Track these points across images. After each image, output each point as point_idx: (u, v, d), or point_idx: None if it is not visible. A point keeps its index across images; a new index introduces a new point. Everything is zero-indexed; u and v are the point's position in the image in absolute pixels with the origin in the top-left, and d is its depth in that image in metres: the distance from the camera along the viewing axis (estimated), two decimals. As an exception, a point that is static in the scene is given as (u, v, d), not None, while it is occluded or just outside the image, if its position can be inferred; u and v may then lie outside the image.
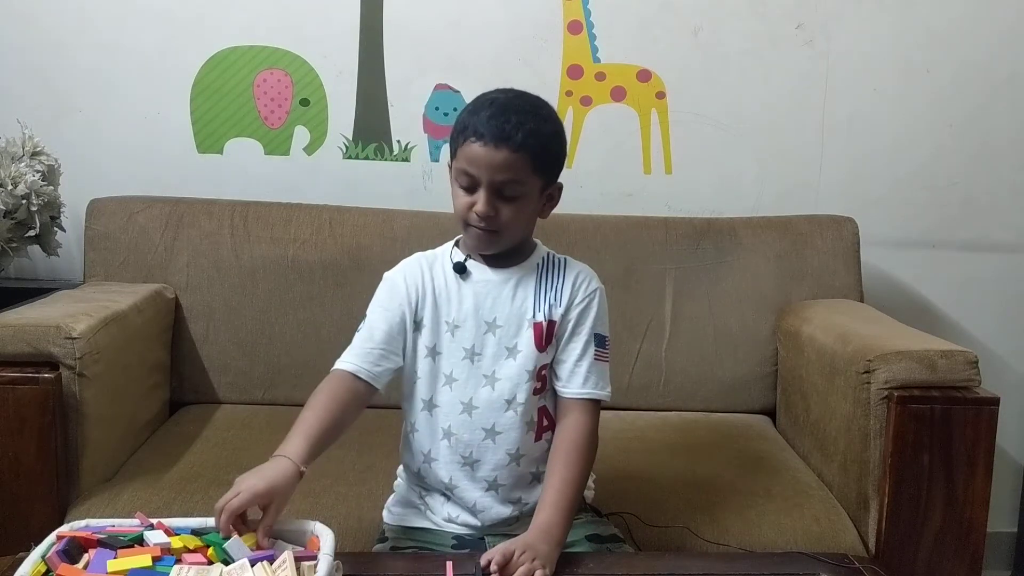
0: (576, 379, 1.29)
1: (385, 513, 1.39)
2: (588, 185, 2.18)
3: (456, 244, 1.35)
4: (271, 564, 1.03)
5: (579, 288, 1.30)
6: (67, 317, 1.54)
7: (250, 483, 1.10)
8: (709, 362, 2.01)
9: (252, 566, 1.02)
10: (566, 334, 1.30)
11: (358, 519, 1.48)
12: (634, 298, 2.02)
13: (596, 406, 1.30)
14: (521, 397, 1.28)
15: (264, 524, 1.09)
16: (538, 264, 1.32)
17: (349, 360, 1.27)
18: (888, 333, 1.69)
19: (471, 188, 1.22)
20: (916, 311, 2.25)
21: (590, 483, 1.41)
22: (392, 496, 1.40)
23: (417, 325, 1.30)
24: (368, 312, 1.32)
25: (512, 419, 1.28)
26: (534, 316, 1.28)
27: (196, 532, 1.09)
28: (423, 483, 1.34)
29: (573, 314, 1.29)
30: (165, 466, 1.62)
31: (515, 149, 1.18)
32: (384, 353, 1.28)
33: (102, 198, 2.00)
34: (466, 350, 1.29)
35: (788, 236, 2.07)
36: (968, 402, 1.49)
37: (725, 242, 2.05)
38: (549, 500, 1.22)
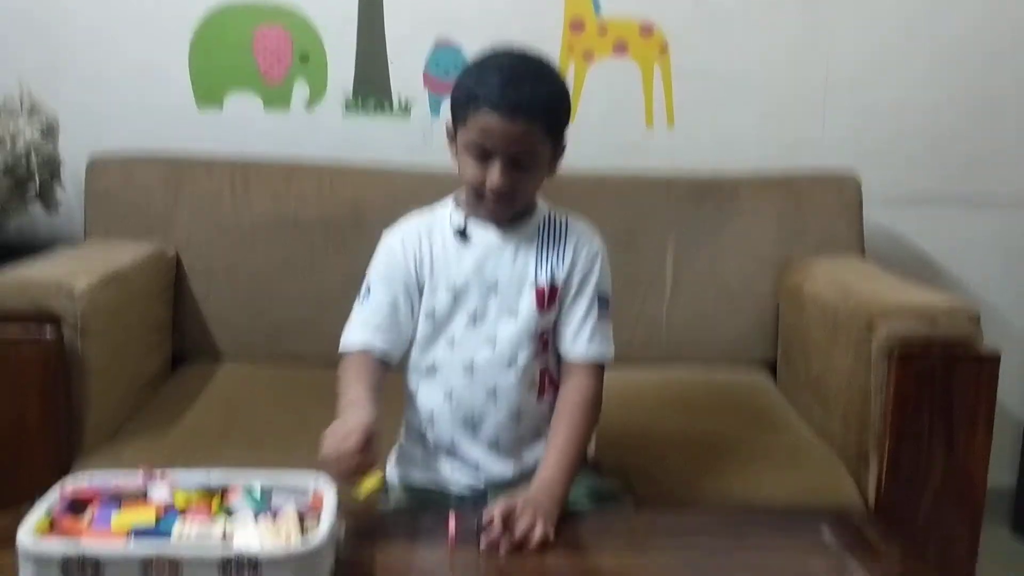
0: (580, 341, 1.28)
1: (387, 469, 1.39)
2: (590, 140, 2.16)
3: (456, 203, 1.33)
4: (274, 518, 1.03)
5: (581, 250, 1.29)
6: (68, 275, 1.53)
7: (353, 423, 1.12)
8: (710, 320, 2.01)
9: (255, 520, 1.02)
10: (569, 296, 1.29)
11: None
12: (635, 257, 2.01)
13: (600, 368, 1.29)
14: (522, 358, 1.27)
15: (372, 458, 1.11)
16: (539, 225, 1.30)
17: (362, 339, 1.28)
18: (890, 289, 1.68)
19: (483, 158, 1.20)
20: (918, 267, 2.24)
21: (591, 436, 1.40)
22: (395, 453, 1.41)
23: (419, 290, 1.29)
24: (371, 283, 1.30)
25: (513, 380, 1.27)
26: (535, 280, 1.27)
27: (204, 488, 1.09)
28: (426, 441, 1.34)
29: (576, 277, 1.28)
30: (168, 424, 1.63)
31: (530, 119, 1.16)
32: (393, 325, 1.28)
33: (102, 156, 1.98)
34: (468, 313, 1.27)
35: (790, 194, 2.06)
36: (969, 359, 1.49)
37: (727, 201, 2.04)
38: (552, 459, 1.22)
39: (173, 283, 1.94)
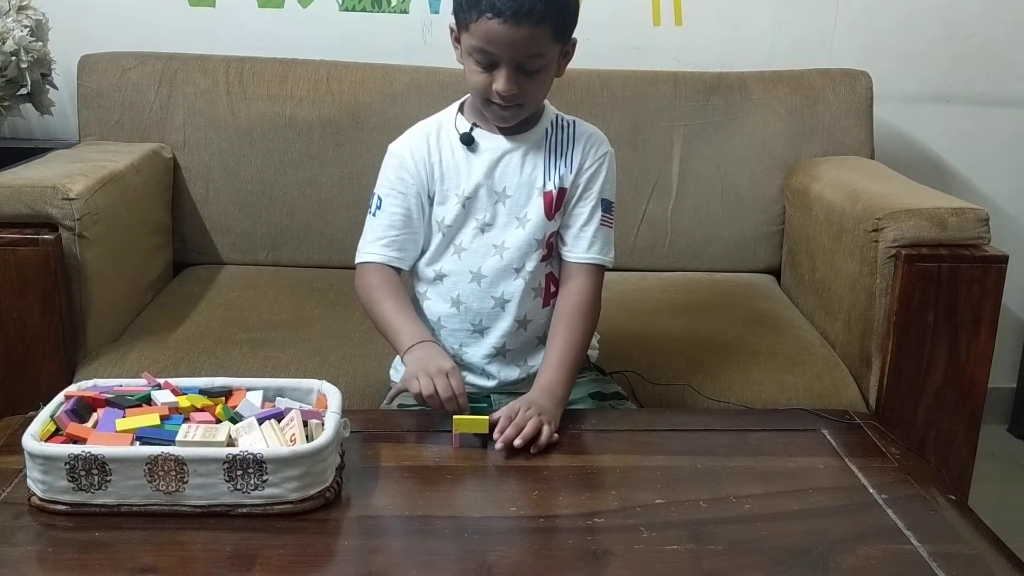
0: (581, 244, 1.27)
1: (392, 372, 1.40)
2: (595, 38, 2.11)
3: (460, 110, 1.30)
4: (279, 422, 1.04)
5: (588, 153, 1.27)
6: (64, 178, 1.52)
7: (444, 365, 1.19)
8: (715, 221, 2.00)
9: (260, 424, 1.03)
10: (574, 199, 1.28)
11: (365, 377, 1.49)
12: (641, 157, 1.98)
13: (600, 271, 1.29)
14: (529, 265, 1.27)
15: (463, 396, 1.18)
16: (547, 130, 1.28)
17: (381, 254, 1.28)
18: (898, 191, 1.66)
19: (489, 66, 1.17)
20: (927, 168, 2.21)
21: (594, 343, 1.41)
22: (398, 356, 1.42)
23: (431, 199, 1.29)
24: (382, 195, 1.29)
25: (520, 286, 1.27)
26: (544, 185, 1.26)
27: (204, 392, 1.10)
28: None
29: (582, 179, 1.27)
30: (171, 327, 1.64)
31: (537, 23, 1.13)
32: (408, 237, 1.29)
33: (93, 54, 1.95)
34: (477, 221, 1.27)
35: (800, 91, 2.02)
36: (976, 260, 1.48)
37: (736, 97, 2.01)
38: (552, 361, 1.23)
39: (171, 185, 1.92)
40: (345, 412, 1.08)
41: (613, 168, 1.29)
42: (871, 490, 1.08)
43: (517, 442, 1.11)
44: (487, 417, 1.13)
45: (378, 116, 1.91)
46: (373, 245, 1.29)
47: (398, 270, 1.29)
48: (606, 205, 1.29)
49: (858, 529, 1.01)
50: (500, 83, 1.17)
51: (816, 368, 1.59)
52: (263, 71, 1.96)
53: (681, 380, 1.51)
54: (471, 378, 1.32)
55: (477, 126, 1.28)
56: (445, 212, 1.28)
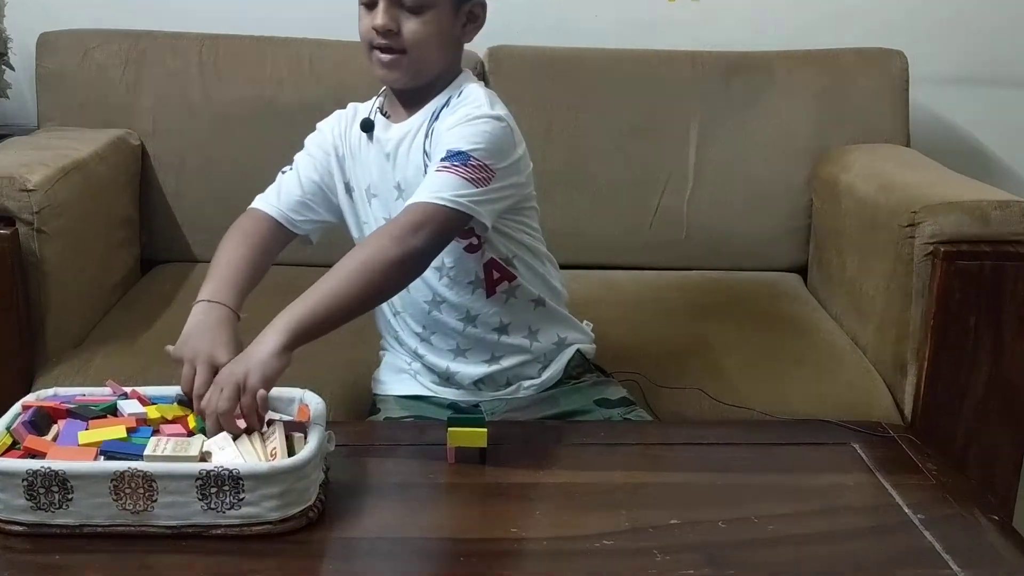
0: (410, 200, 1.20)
1: (373, 384, 1.42)
2: (603, 14, 2.12)
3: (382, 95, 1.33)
4: (260, 435, 1.04)
5: (455, 114, 1.23)
6: (21, 167, 1.51)
7: (209, 353, 1.10)
8: (736, 216, 2.00)
9: (235, 438, 1.03)
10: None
11: (351, 386, 1.49)
12: (654, 145, 1.99)
13: (422, 212, 1.16)
14: (450, 260, 1.27)
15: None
16: (437, 107, 1.26)
17: (270, 201, 1.33)
18: (936, 182, 1.66)
19: (371, 4, 1.22)
20: (968, 157, 2.21)
21: (588, 330, 1.43)
22: (380, 365, 1.43)
23: (348, 188, 1.33)
24: (296, 157, 1.35)
25: (449, 284, 1.29)
26: (426, 169, 1.24)
27: (176, 402, 1.10)
28: (404, 351, 1.39)
29: (440, 144, 1.22)
30: (139, 330, 1.63)
31: None
32: (308, 203, 1.33)
33: (53, 32, 1.94)
34: (386, 220, 1.27)
35: (829, 72, 2.02)
36: (1022, 257, 1.48)
37: (758, 79, 2.01)
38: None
39: (139, 175, 1.92)
40: (330, 424, 1.08)
41: (485, 127, 1.20)
42: (906, 510, 1.08)
43: (225, 434, 1.04)
44: (485, 430, 1.13)
45: (366, 99, 1.89)
46: (267, 194, 1.34)
47: (286, 230, 1.32)
48: (452, 154, 1.18)
49: (892, 552, 1.01)
50: (377, 16, 1.20)
51: (846, 376, 1.59)
52: (240, 50, 1.96)
53: (698, 389, 1.51)
54: (446, 391, 1.35)
55: (385, 113, 1.31)
56: (355, 203, 1.33)
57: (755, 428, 1.37)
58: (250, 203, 1.31)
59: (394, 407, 1.35)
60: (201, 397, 1.07)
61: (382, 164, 1.29)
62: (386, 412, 1.35)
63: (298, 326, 1.09)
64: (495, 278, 1.30)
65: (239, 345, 1.12)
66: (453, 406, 1.33)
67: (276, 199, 1.33)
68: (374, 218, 1.31)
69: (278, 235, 1.32)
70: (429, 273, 1.26)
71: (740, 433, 1.29)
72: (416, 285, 1.26)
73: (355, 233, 1.35)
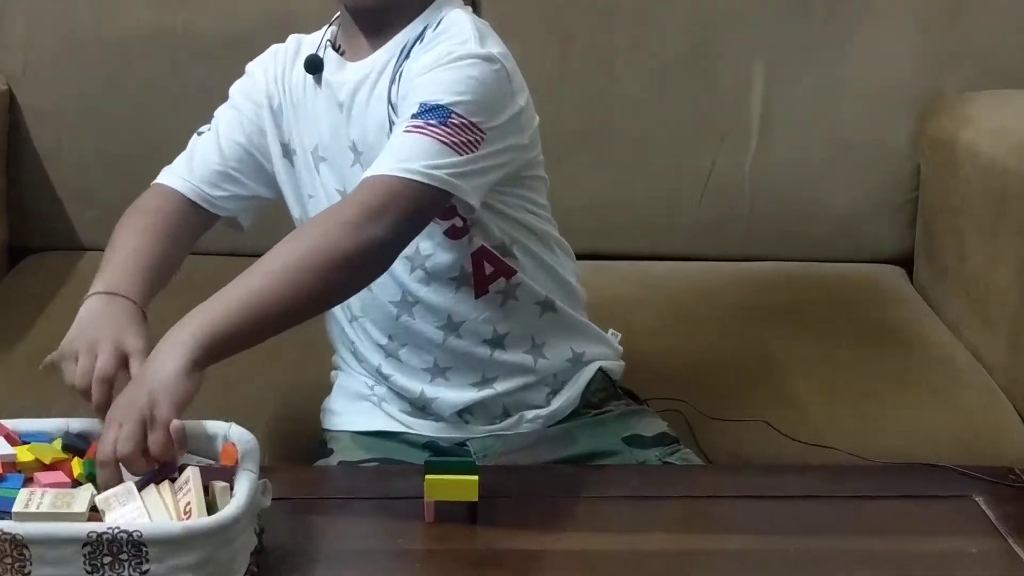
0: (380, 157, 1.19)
1: (324, 415, 1.42)
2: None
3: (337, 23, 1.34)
4: (171, 483, 1.04)
5: (430, 54, 1.22)
6: None
7: (111, 335, 1.12)
8: (816, 186, 2.01)
9: (140, 489, 1.03)
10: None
11: (294, 419, 1.50)
12: (705, 88, 2.00)
13: (390, 187, 1.15)
14: (427, 247, 1.28)
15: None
16: (407, 42, 1.26)
17: (180, 174, 1.34)
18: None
19: None
20: None
21: (614, 342, 1.43)
22: (332, 391, 1.43)
23: (286, 151, 1.34)
24: (218, 112, 1.37)
25: (424, 280, 1.29)
26: (391, 128, 1.24)
27: (65, 446, 1.10)
28: (363, 371, 1.39)
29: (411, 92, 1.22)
30: (5, 342, 1.64)
31: None
32: (231, 174, 1.34)
33: None
34: (339, 193, 1.29)
35: (942, -10, 2.03)
36: None
37: (847, 1, 2.01)
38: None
39: (6, 133, 1.93)
40: (265, 470, 1.08)
41: (472, 72, 1.20)
42: (1049, 587, 1.08)
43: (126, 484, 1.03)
44: (476, 478, 1.12)
45: (313, 30, 1.88)
46: (176, 165, 1.36)
47: (203, 211, 1.34)
48: (425, 110, 1.17)
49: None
50: None
51: (966, 403, 1.60)
52: (142, -38, 1.97)
53: (758, 416, 1.52)
54: (422, 424, 1.35)
55: (338, 49, 1.31)
56: (296, 170, 1.33)
57: (841, 475, 1.35)
58: (156, 175, 1.31)
59: (351, 447, 1.35)
60: (107, 382, 1.08)
61: (334, 117, 1.29)
62: (340, 454, 1.34)
63: (211, 336, 1.07)
64: (487, 273, 1.29)
65: (151, 341, 1.12)
66: (431, 445, 1.34)
67: (187, 171, 1.34)
68: (323, 190, 1.31)
69: (191, 218, 1.33)
70: (398, 265, 1.25)
71: (821, 482, 1.29)
72: (381, 281, 1.25)
73: (296, 211, 1.36)
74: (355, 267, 1.13)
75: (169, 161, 1.93)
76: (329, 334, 1.42)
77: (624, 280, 1.90)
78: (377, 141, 1.24)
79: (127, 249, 1.25)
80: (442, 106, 1.16)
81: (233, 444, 1.09)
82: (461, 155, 1.15)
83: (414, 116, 1.16)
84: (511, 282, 1.30)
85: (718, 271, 1.97)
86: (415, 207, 1.14)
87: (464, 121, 1.15)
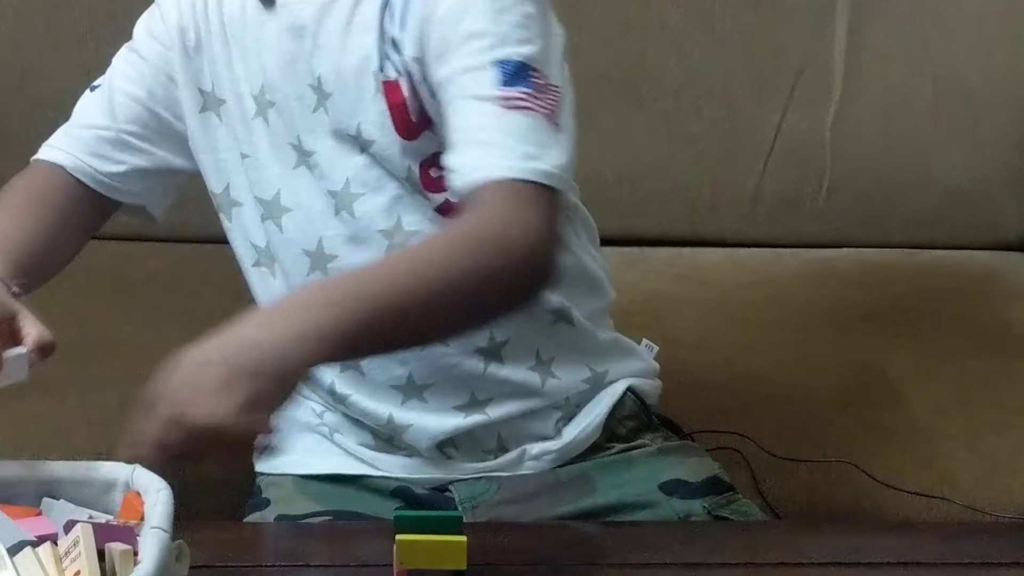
0: (467, 151, 1.20)
1: (256, 456, 1.36)
2: None
3: None
4: (54, 545, 1.04)
5: None
6: None
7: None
8: (918, 149, 2.02)
9: (13, 554, 1.03)
10: (439, 95, 1.24)
11: (216, 461, 1.49)
12: (771, 24, 2.02)
13: (521, 193, 1.18)
14: (412, 223, 1.28)
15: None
16: None
17: (59, 144, 1.35)
18: None
19: None
20: None
21: (648, 355, 1.42)
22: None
23: (208, 102, 1.34)
24: (114, 62, 1.37)
25: None
26: (382, 67, 1.26)
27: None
28: (307, 391, 1.37)
29: (434, 42, 1.22)
30: None
31: None
32: (124, 139, 1.34)
33: None
34: (293, 148, 1.30)
35: None
36: None
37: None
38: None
39: None
40: (181, 528, 1.08)
41: (525, 7, 1.22)
42: None
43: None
44: (463, 539, 1.12)
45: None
46: (63, 135, 1.35)
47: (91, 192, 1.34)
48: (508, 70, 1.20)
49: None
50: None
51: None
52: None
53: (840, 455, 1.52)
54: (390, 461, 1.35)
55: None
56: (234, 131, 1.33)
57: (955, 535, 1.35)
58: (46, 127, 1.32)
59: (295, 496, 1.34)
60: None
61: (289, 47, 1.28)
62: (280, 505, 1.33)
63: (344, 331, 1.08)
64: None
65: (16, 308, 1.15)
66: (403, 492, 1.33)
67: (67, 139, 1.34)
68: (268, 145, 1.31)
69: (81, 201, 1.34)
70: (369, 241, 1.27)
71: (929, 543, 1.27)
72: (342, 260, 1.28)
73: (217, 183, 1.36)
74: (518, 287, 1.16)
75: (62, 107, 1.96)
76: None
77: (661, 273, 1.90)
78: (357, 84, 1.25)
79: None
80: (524, 64, 1.18)
81: (138, 493, 1.08)
82: (559, 131, 1.18)
83: (504, 83, 1.17)
84: None
85: (786, 261, 1.97)
86: (554, 212, 1.18)
87: (542, 80, 1.18)
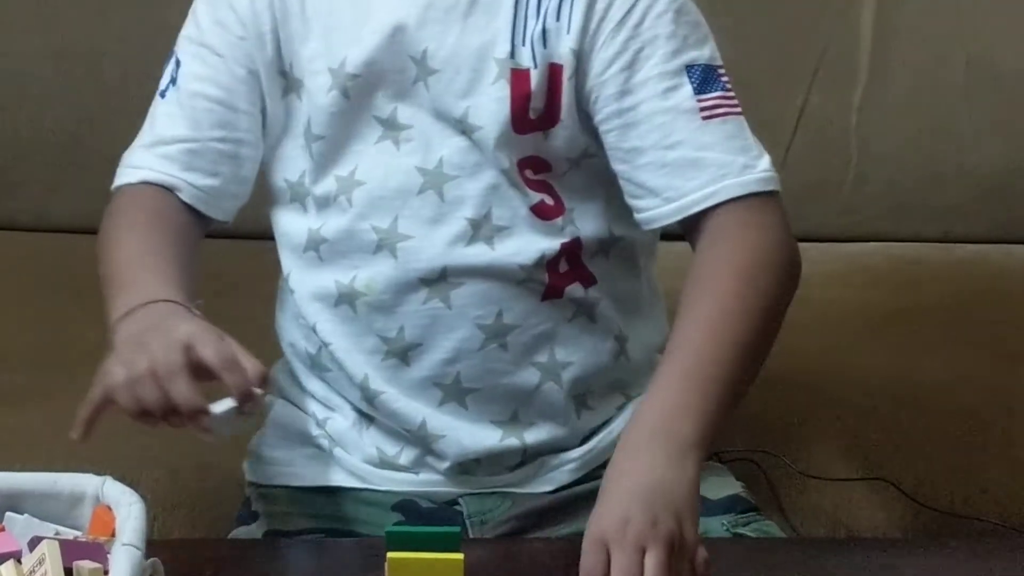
0: (677, 176, 1.25)
1: (247, 466, 1.41)
2: None
3: None
4: (17, 564, 1.04)
5: None
6: None
7: (179, 330, 1.13)
8: (951, 135, 2.04)
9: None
10: (610, 96, 1.26)
11: (204, 469, 1.53)
12: (788, 4, 2.05)
13: (760, 205, 1.26)
14: (502, 217, 1.29)
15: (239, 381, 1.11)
16: None
17: (154, 165, 1.32)
18: None
19: None
20: None
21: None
22: (263, 429, 1.41)
23: (285, 77, 1.33)
24: (181, 57, 1.34)
25: (484, 263, 1.30)
26: (513, 54, 1.27)
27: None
28: (321, 392, 1.38)
29: (610, 44, 1.25)
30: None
31: None
32: (225, 148, 1.33)
33: None
34: (379, 122, 1.31)
35: None
36: None
37: None
38: (668, 373, 1.19)
39: None
40: (155, 545, 1.08)
41: (691, 5, 1.28)
42: None
43: None
44: (459, 557, 1.12)
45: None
46: (147, 154, 1.33)
47: (193, 211, 1.33)
48: (700, 75, 1.26)
49: None
50: None
51: None
52: None
53: (876, 472, 1.53)
54: (407, 454, 1.34)
55: None
56: (312, 103, 1.32)
57: (991, 553, 1.33)
58: (101, 165, 1.31)
59: (287, 510, 1.34)
60: (181, 374, 1.08)
61: (390, 19, 1.28)
62: (270, 520, 1.33)
63: (707, 429, 1.13)
64: (562, 272, 1.32)
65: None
66: (406, 506, 1.33)
67: (152, 158, 1.32)
68: (357, 123, 1.31)
69: (190, 224, 1.33)
70: (456, 229, 1.28)
71: (962, 562, 1.27)
72: (410, 243, 1.29)
73: (292, 172, 1.35)
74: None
75: (16, 94, 1.95)
76: (278, 333, 1.41)
77: (678, 269, 1.90)
78: (474, 66, 1.27)
79: (140, 255, 1.27)
80: (710, 66, 1.24)
81: (108, 507, 1.08)
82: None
83: (698, 91, 1.23)
84: (590, 294, 1.32)
85: (808, 256, 1.96)
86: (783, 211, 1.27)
87: (727, 78, 1.25)
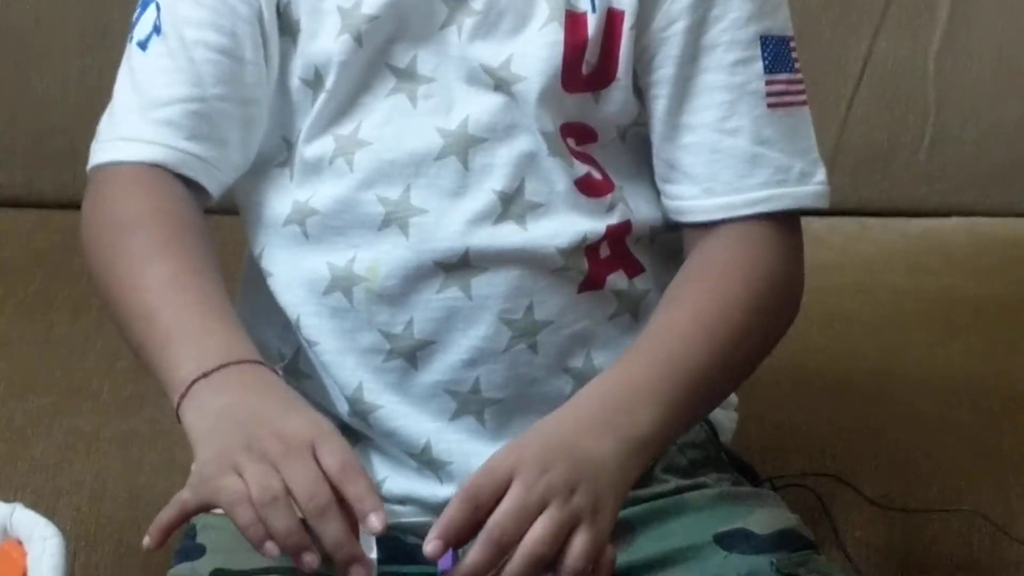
0: (721, 171, 1.28)
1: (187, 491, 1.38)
2: None
3: None
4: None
5: None
6: None
7: (303, 431, 1.12)
8: None
9: None
10: (670, 57, 1.29)
11: (137, 496, 1.50)
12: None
13: (782, 226, 1.31)
14: (536, 192, 1.30)
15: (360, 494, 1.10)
16: None
17: (153, 137, 1.31)
18: None
19: None
20: None
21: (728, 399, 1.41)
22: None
23: (286, 23, 1.34)
24: (161, 4, 1.34)
25: (517, 244, 1.30)
26: None
27: None
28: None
29: (677, 4, 1.28)
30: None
31: None
32: (229, 108, 1.32)
33: None
34: (392, 71, 1.30)
35: None
36: None
37: None
38: (632, 354, 1.25)
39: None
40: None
41: None
42: None
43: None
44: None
45: None
46: (139, 121, 1.33)
47: (197, 188, 1.33)
48: (774, 48, 1.29)
49: None
50: None
51: None
52: None
53: (963, 502, 1.51)
54: (402, 480, 1.32)
55: None
56: (313, 49, 1.32)
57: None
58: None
59: (239, 545, 1.24)
60: (330, 509, 1.08)
61: None
62: (217, 557, 1.30)
63: (665, 429, 1.20)
64: (603, 258, 1.32)
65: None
66: (388, 543, 1.24)
67: (147, 125, 1.32)
68: (371, 75, 1.32)
69: (204, 221, 1.34)
70: (483, 203, 1.29)
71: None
72: (424, 227, 1.29)
73: (287, 130, 1.36)
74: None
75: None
76: (264, 311, 1.40)
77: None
78: (520, 7, 1.29)
79: (182, 289, 1.25)
80: (784, 38, 1.30)
81: (19, 542, 1.09)
82: None
83: (768, 69, 1.28)
84: (635, 285, 1.33)
85: (875, 235, 1.96)
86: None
87: (798, 60, 1.31)
